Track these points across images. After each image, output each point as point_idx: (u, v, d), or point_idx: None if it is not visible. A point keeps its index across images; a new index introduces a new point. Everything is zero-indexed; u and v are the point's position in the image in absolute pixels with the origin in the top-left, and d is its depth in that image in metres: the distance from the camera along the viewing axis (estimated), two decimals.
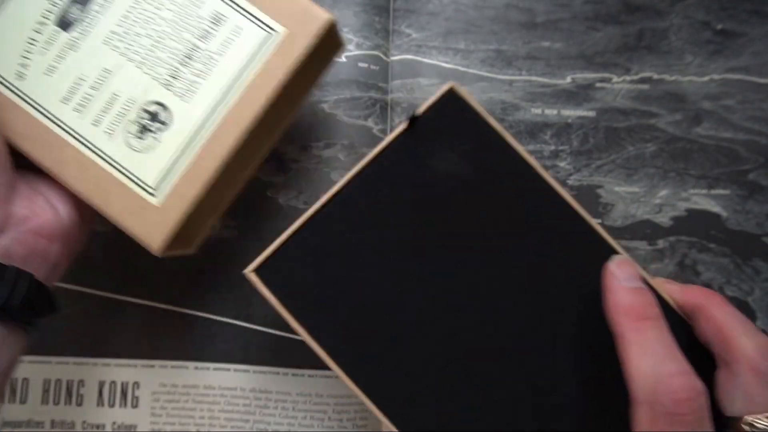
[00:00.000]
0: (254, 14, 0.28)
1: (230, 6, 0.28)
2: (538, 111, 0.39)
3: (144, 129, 0.28)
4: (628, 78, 0.39)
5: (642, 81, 0.39)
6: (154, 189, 0.27)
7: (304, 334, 0.26)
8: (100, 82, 0.28)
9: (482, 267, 0.27)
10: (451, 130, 0.28)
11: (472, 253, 0.27)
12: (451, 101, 0.28)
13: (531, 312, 0.26)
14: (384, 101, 0.38)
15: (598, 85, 0.39)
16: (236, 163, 0.29)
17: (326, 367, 0.36)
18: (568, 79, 0.39)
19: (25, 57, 0.28)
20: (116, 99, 0.28)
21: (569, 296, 0.26)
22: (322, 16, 0.28)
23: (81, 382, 0.36)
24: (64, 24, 0.28)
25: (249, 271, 0.26)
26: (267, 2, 0.28)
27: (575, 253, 0.27)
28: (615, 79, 0.39)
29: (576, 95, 0.39)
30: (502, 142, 0.28)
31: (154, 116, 0.28)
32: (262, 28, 0.28)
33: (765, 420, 0.21)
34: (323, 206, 0.27)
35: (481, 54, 0.39)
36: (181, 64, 0.28)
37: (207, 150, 0.27)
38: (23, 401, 0.35)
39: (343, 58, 0.38)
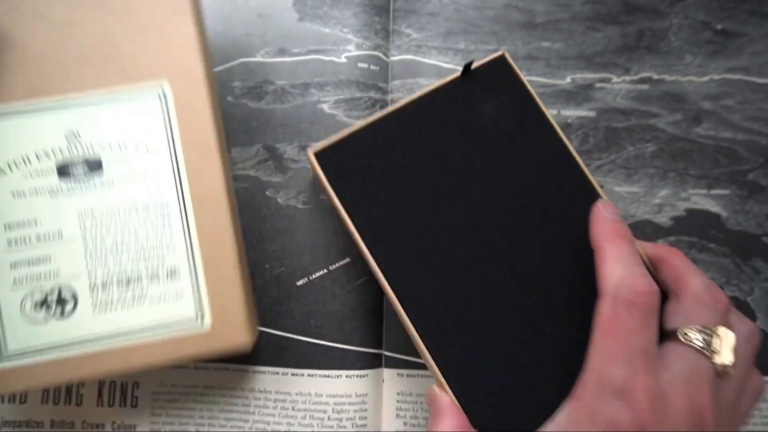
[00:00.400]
0: (202, 294, 0.28)
1: (190, 269, 0.28)
2: None
3: (45, 304, 0.28)
4: (627, 78, 0.39)
5: (642, 81, 0.39)
6: (4, 356, 0.27)
7: (343, 213, 0.30)
8: (47, 238, 0.28)
9: (500, 193, 0.31)
10: (497, 84, 0.33)
11: (493, 181, 0.31)
12: (500, 64, 0.33)
13: (530, 233, 0.31)
14: (384, 101, 0.38)
15: (598, 85, 0.39)
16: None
17: (326, 367, 0.36)
18: (568, 80, 0.39)
19: (9, 166, 0.28)
20: (46, 261, 0.28)
21: (562, 223, 0.31)
22: (246, 341, 0.28)
23: (81, 382, 0.36)
24: (62, 172, 0.28)
25: (311, 152, 0.30)
26: (218, 291, 0.28)
27: (571, 194, 0.32)
28: (615, 79, 0.39)
29: (576, 95, 0.39)
30: (534, 102, 0.33)
31: (61, 301, 0.28)
32: (196, 311, 0.28)
33: (695, 332, 0.26)
34: (382, 118, 0.31)
35: (480, 54, 0.39)
36: (117, 281, 0.28)
37: (71, 364, 0.28)
38: (23, 401, 0.35)
39: (343, 59, 0.38)
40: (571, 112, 0.39)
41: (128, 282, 0.28)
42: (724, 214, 0.38)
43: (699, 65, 0.39)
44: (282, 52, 0.38)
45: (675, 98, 0.39)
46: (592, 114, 0.39)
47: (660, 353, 0.26)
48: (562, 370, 0.28)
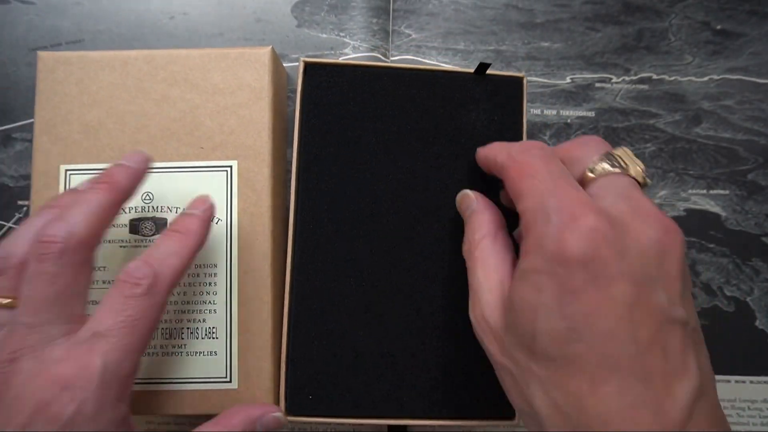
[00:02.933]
0: (234, 356, 0.31)
1: (226, 332, 0.31)
2: (538, 111, 0.39)
3: None
4: (627, 78, 0.39)
5: (641, 81, 0.39)
6: None
7: (296, 132, 0.32)
8: (111, 284, 0.31)
9: (434, 197, 0.32)
10: (497, 101, 0.33)
11: (437, 183, 0.32)
12: (514, 85, 0.33)
13: (436, 249, 0.32)
14: None
15: (598, 85, 0.39)
16: None
17: None
18: (568, 80, 0.39)
19: None
20: None
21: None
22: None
23: None
24: (133, 227, 0.31)
25: (303, 60, 0.32)
26: (249, 356, 0.30)
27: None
28: (614, 79, 0.39)
29: (575, 95, 0.39)
30: (520, 135, 0.33)
31: None
32: (227, 371, 0.31)
33: (598, 162, 0.24)
34: (380, 68, 0.32)
35: (480, 55, 0.39)
36: (161, 331, 0.31)
37: None
38: None
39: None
40: (571, 112, 0.39)
41: (171, 333, 0.31)
42: (723, 214, 0.38)
43: (698, 65, 0.39)
44: (281, 57, 0.38)
45: (674, 98, 0.39)
46: (591, 114, 0.39)
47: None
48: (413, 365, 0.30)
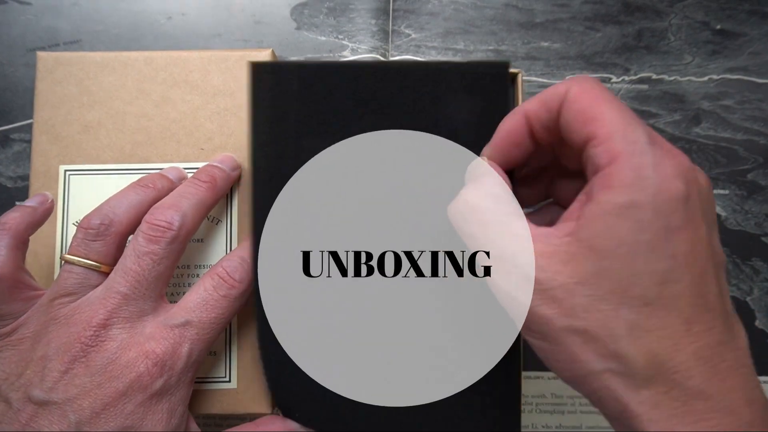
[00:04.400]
0: (233, 357, 0.30)
1: (225, 332, 0.30)
2: None
3: None
4: (627, 78, 0.39)
5: (641, 81, 0.39)
6: None
7: (248, 142, 0.29)
8: None
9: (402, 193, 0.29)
10: (488, 90, 0.29)
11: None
12: (497, 69, 0.29)
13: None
14: None
15: None
16: None
17: None
18: (567, 80, 0.39)
19: None
20: None
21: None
22: (265, 408, 0.30)
23: None
24: None
25: (253, 61, 0.29)
26: (248, 356, 0.30)
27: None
28: (614, 79, 0.39)
29: None
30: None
31: None
32: (226, 370, 0.30)
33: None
34: (339, 63, 0.31)
35: (480, 54, 0.39)
36: None
37: None
38: None
39: None
40: None
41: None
42: (723, 214, 0.38)
43: (698, 65, 0.39)
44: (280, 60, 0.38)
45: (674, 98, 0.39)
46: None
47: None
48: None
